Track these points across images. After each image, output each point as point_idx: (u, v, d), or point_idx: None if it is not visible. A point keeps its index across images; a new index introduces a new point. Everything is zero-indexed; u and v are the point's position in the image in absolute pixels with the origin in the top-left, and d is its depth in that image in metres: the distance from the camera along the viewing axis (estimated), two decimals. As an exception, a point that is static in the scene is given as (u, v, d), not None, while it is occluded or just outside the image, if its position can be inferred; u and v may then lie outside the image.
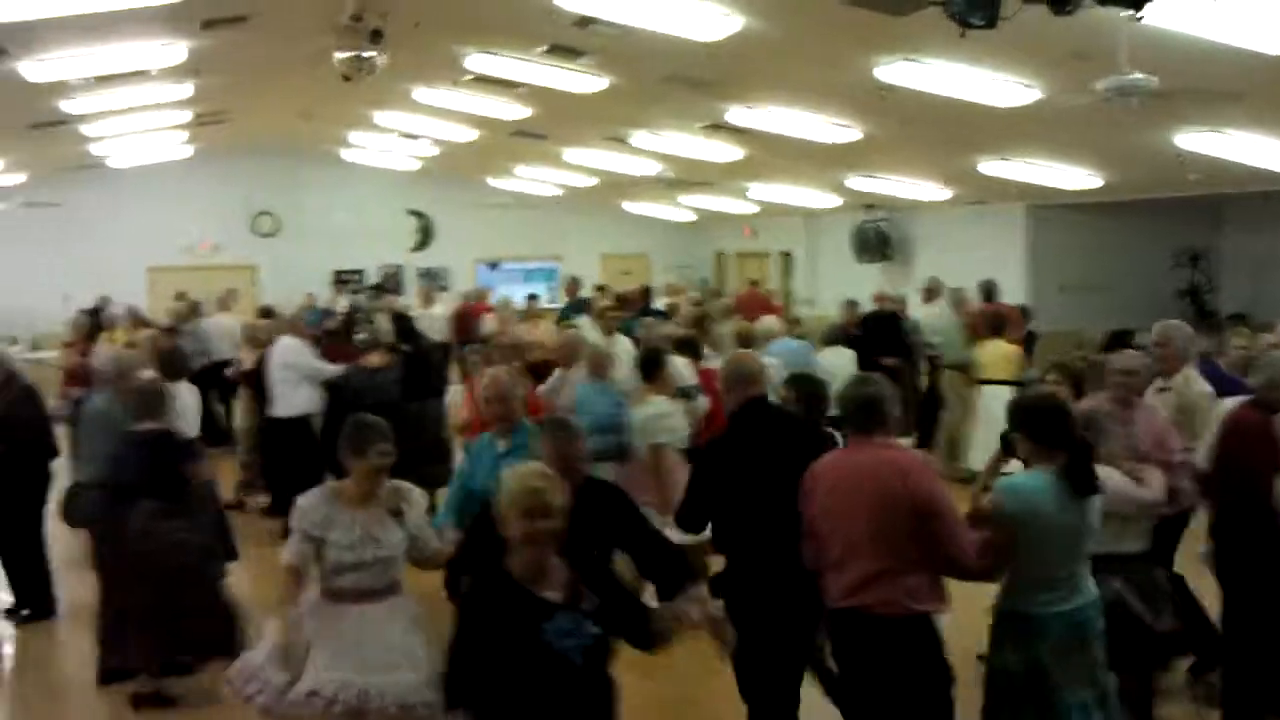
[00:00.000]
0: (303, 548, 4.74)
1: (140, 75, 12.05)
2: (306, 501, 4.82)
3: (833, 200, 18.09)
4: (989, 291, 13.37)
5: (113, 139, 17.10)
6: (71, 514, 7.35)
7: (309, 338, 11.08)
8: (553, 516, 3.49)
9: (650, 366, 7.87)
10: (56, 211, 20.08)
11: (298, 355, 10.33)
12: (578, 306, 14.84)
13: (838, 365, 10.11)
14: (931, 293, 13.88)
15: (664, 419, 7.50)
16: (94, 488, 6.92)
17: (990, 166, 13.60)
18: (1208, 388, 6.38)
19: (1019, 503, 4.33)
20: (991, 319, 11.65)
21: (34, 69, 10.24)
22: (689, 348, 8.87)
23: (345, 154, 21.85)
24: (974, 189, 15.35)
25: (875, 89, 10.08)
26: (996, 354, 11.12)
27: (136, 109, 14.52)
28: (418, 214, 23.66)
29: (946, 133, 12.04)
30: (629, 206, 23.27)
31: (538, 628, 3.39)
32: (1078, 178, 13.67)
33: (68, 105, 12.78)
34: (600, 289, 17.40)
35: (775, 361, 8.30)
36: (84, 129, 15.36)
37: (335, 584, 4.76)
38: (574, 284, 16.82)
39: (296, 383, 10.19)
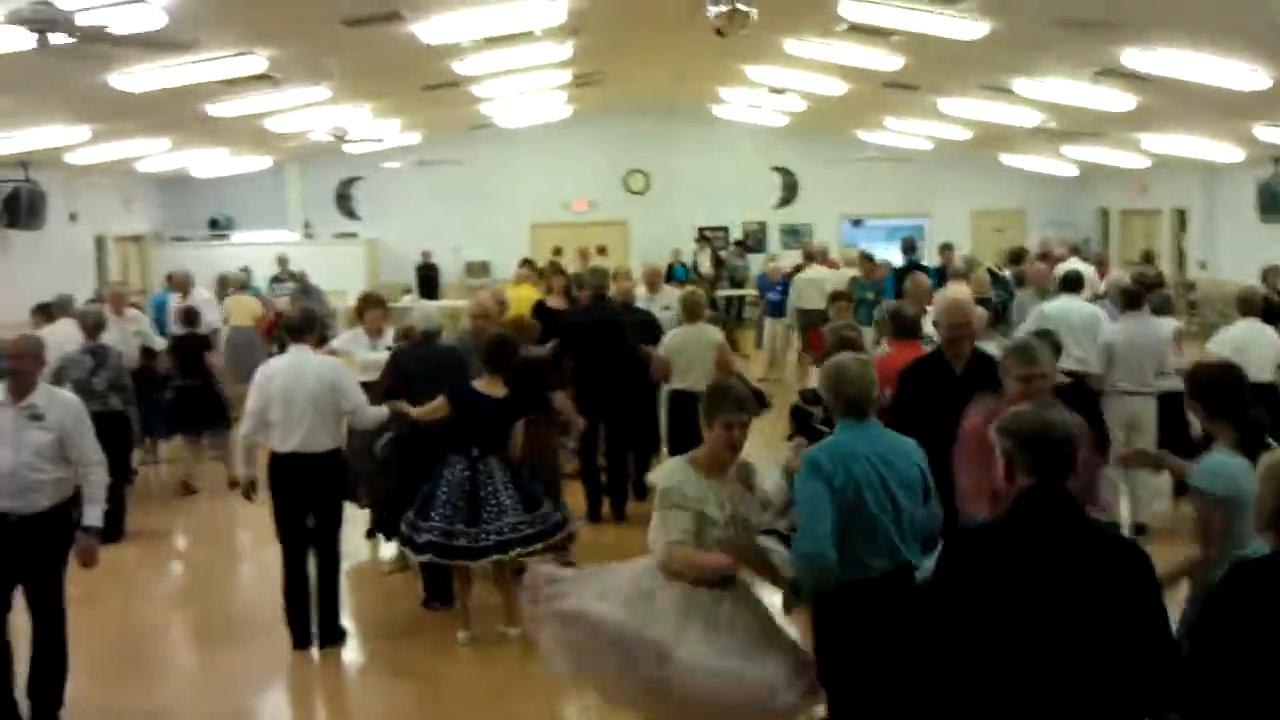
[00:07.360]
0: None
1: (525, 36, 12.56)
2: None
3: (1236, 154, 16.47)
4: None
5: (500, 100, 17.99)
6: None
7: None
8: None
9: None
10: (448, 170, 21.44)
11: None
12: None
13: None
14: None
15: None
16: None
17: None
18: None
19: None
20: None
21: (428, 30, 10.83)
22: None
23: (717, 110, 22.06)
24: None
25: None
26: None
27: (520, 70, 15.17)
28: (782, 170, 23.64)
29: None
30: (1006, 159, 22.19)
31: None
32: None
33: (459, 66, 13.50)
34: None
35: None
36: (474, 90, 16.22)
37: None
38: None
39: None
